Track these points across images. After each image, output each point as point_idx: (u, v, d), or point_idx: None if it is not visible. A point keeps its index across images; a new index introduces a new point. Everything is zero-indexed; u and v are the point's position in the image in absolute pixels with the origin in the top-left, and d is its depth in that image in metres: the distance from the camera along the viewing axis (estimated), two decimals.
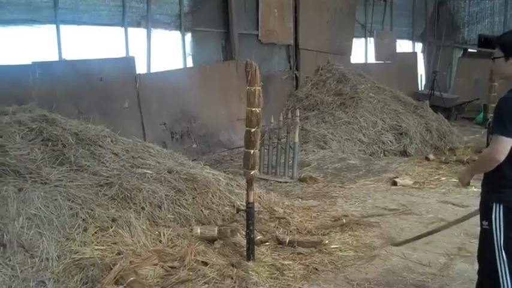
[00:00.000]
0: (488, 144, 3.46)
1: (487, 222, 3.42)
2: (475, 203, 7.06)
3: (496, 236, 3.37)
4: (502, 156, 3.26)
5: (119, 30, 9.48)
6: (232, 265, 4.82)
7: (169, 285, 4.43)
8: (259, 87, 4.77)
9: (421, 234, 5.51)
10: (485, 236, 3.45)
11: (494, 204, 3.36)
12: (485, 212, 3.45)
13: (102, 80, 8.72)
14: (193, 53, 10.87)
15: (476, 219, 5.98)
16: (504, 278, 3.37)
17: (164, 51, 10.30)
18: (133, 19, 9.65)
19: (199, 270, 4.65)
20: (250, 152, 4.83)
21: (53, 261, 4.45)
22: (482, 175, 3.51)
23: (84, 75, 8.44)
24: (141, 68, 9.62)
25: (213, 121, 10.71)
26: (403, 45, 17.58)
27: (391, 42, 16.71)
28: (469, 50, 18.86)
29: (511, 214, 3.33)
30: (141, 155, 6.37)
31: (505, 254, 3.36)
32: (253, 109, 4.75)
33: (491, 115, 10.12)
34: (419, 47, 18.67)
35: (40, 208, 4.79)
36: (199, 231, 5.27)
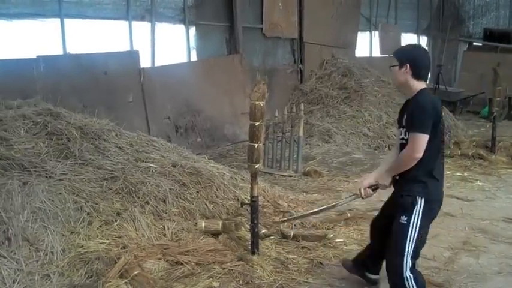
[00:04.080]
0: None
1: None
2: (479, 197, 7.10)
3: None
4: (421, 154, 3.59)
5: (123, 24, 9.48)
6: (237, 259, 4.82)
7: (174, 279, 4.44)
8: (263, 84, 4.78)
9: (302, 215, 5.55)
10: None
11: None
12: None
13: (106, 74, 8.73)
14: (198, 47, 10.85)
15: (484, 213, 5.97)
16: None
17: (168, 45, 10.29)
18: (137, 13, 9.65)
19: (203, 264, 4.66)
20: (255, 145, 4.82)
21: (57, 255, 4.46)
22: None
23: (88, 69, 8.45)
24: (145, 62, 9.63)
25: (217, 115, 10.71)
26: (408, 39, 17.48)
27: (396, 35, 16.63)
28: (474, 43, 18.77)
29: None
30: (145, 149, 6.37)
31: None
32: (257, 103, 4.74)
33: (497, 109, 10.08)
34: (424, 40, 18.56)
35: (45, 202, 4.80)
36: (203, 225, 5.28)
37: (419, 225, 3.68)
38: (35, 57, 7.88)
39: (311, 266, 4.86)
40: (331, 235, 5.49)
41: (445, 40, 18.85)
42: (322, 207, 5.08)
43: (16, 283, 4.05)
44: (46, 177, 5.21)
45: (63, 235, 4.67)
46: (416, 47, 3.99)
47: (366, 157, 9.60)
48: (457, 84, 17.70)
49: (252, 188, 4.92)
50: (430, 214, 3.74)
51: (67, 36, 8.51)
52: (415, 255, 3.74)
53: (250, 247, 4.97)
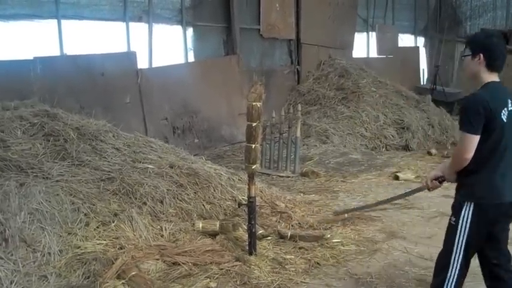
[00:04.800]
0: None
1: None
2: None
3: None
4: (470, 154, 3.32)
5: (121, 25, 9.48)
6: (234, 259, 4.82)
7: (171, 279, 4.44)
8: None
9: (361, 206, 5.78)
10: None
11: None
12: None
13: (103, 75, 8.73)
14: (195, 48, 10.86)
15: None
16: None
17: (166, 46, 10.30)
18: (134, 14, 9.65)
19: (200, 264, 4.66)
20: (252, 146, 4.82)
21: (55, 256, 4.47)
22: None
23: (85, 70, 8.45)
24: (142, 63, 9.63)
25: (214, 116, 10.71)
26: (405, 40, 17.52)
27: (393, 36, 16.66)
28: None
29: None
30: (142, 149, 6.37)
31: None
32: (254, 104, 4.75)
33: None
34: (421, 41, 18.59)
35: (42, 203, 4.80)
36: (201, 225, 5.28)
37: (469, 229, 3.43)
38: (32, 58, 7.87)
39: (308, 267, 4.85)
40: (329, 235, 5.48)
41: (442, 41, 18.85)
42: (388, 198, 5.03)
43: (13, 284, 4.05)
44: (43, 178, 5.22)
45: (60, 236, 4.67)
46: (491, 35, 3.62)
47: (363, 158, 9.60)
48: (454, 84, 17.71)
49: (249, 189, 4.92)
50: (483, 218, 3.42)
51: (64, 37, 8.51)
52: (465, 260, 3.55)
53: (247, 248, 4.98)
